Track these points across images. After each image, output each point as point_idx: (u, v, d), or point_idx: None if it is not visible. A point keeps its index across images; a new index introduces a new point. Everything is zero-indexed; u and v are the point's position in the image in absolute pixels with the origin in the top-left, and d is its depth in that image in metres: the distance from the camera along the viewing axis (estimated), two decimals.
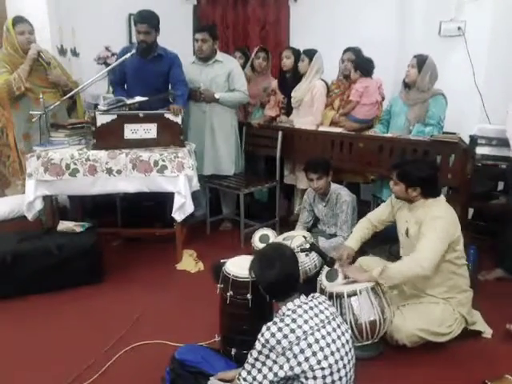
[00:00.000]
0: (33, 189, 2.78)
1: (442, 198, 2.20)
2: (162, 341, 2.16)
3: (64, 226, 2.84)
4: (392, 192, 2.31)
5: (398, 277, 2.05)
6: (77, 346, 2.18)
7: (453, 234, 2.10)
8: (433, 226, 2.06)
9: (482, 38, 3.36)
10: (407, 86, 3.03)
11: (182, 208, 2.88)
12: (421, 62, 2.94)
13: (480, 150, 3.03)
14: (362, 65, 3.25)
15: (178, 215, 2.90)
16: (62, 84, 3.11)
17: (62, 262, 2.64)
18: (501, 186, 3.28)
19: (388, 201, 2.45)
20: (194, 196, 3.04)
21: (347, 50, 3.39)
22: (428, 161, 2.52)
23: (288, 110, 3.60)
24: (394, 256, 2.55)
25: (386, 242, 2.85)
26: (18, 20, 2.95)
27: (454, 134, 2.97)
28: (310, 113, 3.46)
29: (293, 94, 3.51)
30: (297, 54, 3.49)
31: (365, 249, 2.55)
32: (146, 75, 3.13)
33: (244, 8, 4.61)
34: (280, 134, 3.44)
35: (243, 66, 3.69)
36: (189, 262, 3.03)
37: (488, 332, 2.27)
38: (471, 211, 3.24)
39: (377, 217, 2.45)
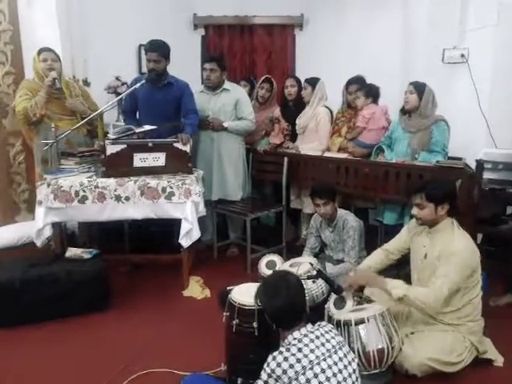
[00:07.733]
0: (42, 216, 2.81)
1: (461, 231, 2.18)
2: (168, 369, 2.14)
3: (72, 252, 2.86)
4: (416, 217, 2.23)
5: (415, 303, 2.07)
6: (83, 373, 2.16)
7: (470, 266, 2.10)
8: (450, 264, 2.06)
9: (485, 64, 3.40)
10: (407, 112, 3.05)
11: (189, 234, 2.90)
12: (419, 87, 2.96)
13: (487, 175, 3.03)
14: (369, 91, 3.32)
15: (185, 241, 2.91)
16: (79, 112, 3.15)
17: (69, 288, 2.65)
18: (509, 210, 3.26)
19: (404, 228, 2.44)
20: (201, 221, 3.06)
21: (351, 81, 3.41)
22: (443, 179, 2.45)
23: (292, 136, 3.65)
24: (403, 280, 2.52)
25: (393, 267, 2.82)
26: (43, 49, 3.08)
27: (460, 159, 2.99)
28: (314, 139, 3.50)
29: (297, 122, 3.57)
30: (299, 82, 3.57)
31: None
32: (156, 103, 3.20)
33: (250, 37, 4.74)
34: (286, 159, 3.47)
35: (249, 94, 3.76)
36: (195, 289, 3.02)
37: (499, 360, 2.21)
38: (480, 236, 3.22)
39: (393, 245, 2.45)
